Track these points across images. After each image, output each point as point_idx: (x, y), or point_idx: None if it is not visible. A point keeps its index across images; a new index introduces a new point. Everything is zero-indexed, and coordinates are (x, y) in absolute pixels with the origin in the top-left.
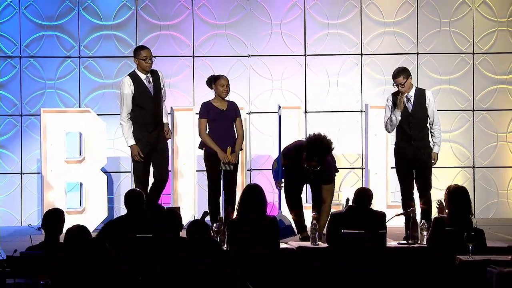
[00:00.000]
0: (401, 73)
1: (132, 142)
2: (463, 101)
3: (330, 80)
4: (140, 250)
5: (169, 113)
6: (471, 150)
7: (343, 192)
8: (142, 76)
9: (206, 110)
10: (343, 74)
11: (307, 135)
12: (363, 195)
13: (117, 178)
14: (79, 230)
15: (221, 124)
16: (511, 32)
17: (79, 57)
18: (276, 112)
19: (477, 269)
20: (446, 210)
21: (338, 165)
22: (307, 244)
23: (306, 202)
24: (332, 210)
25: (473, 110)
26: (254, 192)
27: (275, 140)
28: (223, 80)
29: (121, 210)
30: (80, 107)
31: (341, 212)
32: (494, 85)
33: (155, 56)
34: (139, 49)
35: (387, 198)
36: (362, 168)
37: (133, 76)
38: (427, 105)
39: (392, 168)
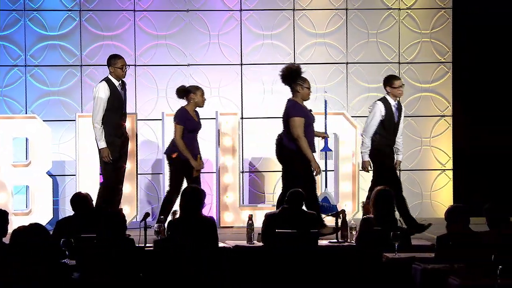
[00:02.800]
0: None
1: (103, 144)
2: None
3: (265, 87)
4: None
5: None
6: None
7: (276, 194)
8: (116, 83)
9: (185, 118)
10: (277, 82)
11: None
12: (296, 197)
13: (62, 181)
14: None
15: (195, 134)
16: (433, 43)
17: (25, 66)
18: (214, 118)
19: (403, 266)
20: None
21: (272, 168)
22: (243, 243)
23: (242, 203)
24: (267, 211)
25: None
26: (193, 194)
27: (213, 145)
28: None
29: (66, 211)
30: (26, 113)
31: (275, 213)
32: (418, 93)
33: (128, 65)
34: (115, 58)
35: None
36: None
37: (108, 81)
38: (403, 116)
39: (326, 171)
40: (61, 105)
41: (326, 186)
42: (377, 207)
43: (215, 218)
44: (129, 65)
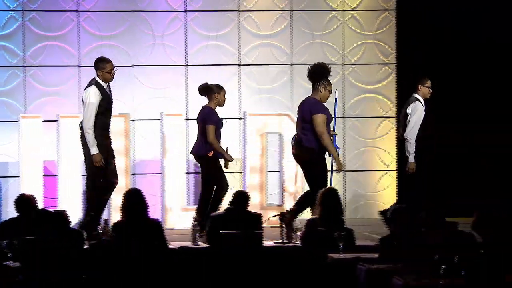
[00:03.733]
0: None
1: (96, 150)
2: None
3: None
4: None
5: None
6: (342, 155)
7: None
8: (104, 85)
9: (216, 118)
10: (222, 83)
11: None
12: (241, 198)
13: (5, 183)
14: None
15: (220, 131)
16: (377, 44)
17: None
18: (159, 119)
19: (347, 267)
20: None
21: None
22: (188, 244)
23: (188, 204)
24: (213, 213)
25: (344, 117)
26: (137, 196)
27: (158, 146)
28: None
29: (9, 213)
30: None
31: (221, 214)
32: (362, 94)
33: (71, 66)
34: (104, 62)
35: (263, 200)
36: (241, 172)
37: (98, 85)
38: None
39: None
40: (4, 106)
41: (330, 185)
42: (324, 208)
43: (160, 220)
44: (72, 66)
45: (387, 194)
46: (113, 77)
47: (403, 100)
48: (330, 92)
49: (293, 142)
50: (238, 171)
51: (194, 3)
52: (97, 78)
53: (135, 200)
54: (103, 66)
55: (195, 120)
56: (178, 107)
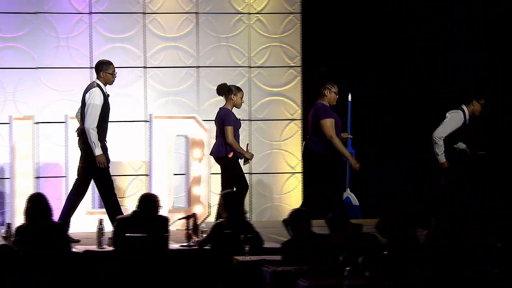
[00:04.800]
0: None
1: (100, 151)
2: (241, 111)
3: (116, 91)
4: None
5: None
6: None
7: (129, 197)
8: (104, 89)
9: (233, 119)
10: (128, 86)
11: None
12: (148, 201)
13: None
14: None
15: (238, 131)
16: (283, 47)
17: None
18: (64, 122)
19: (253, 269)
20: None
21: (123, 171)
22: (93, 247)
23: (93, 207)
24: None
25: (250, 120)
26: (40, 200)
27: (62, 148)
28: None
29: None
30: None
31: (127, 217)
32: (268, 96)
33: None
34: (107, 64)
35: (170, 203)
36: (147, 175)
37: (100, 88)
38: None
39: (175, 174)
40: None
41: (348, 187)
42: (229, 210)
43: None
44: None
45: (293, 196)
46: (114, 80)
47: (308, 103)
48: (335, 93)
49: (303, 146)
50: (144, 174)
51: (99, 5)
52: (98, 81)
53: (38, 204)
54: (107, 68)
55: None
56: None
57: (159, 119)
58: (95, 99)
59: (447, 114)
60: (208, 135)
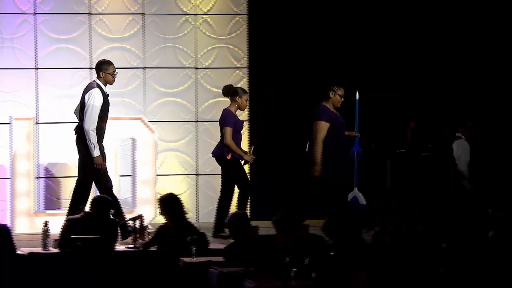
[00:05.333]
0: None
1: (98, 152)
2: (188, 112)
3: (62, 92)
4: None
5: None
6: (195, 158)
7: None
8: (104, 89)
9: (234, 120)
10: (74, 87)
11: None
12: (101, 203)
13: None
14: None
15: (239, 133)
16: (230, 48)
17: None
18: (8, 123)
19: (200, 270)
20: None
21: (69, 173)
22: (39, 249)
23: (38, 209)
24: (62, 217)
25: (196, 121)
26: None
27: (6, 150)
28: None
29: None
30: None
31: (77, 218)
32: (215, 98)
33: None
34: (107, 64)
35: None
36: None
37: (100, 88)
38: None
39: (121, 175)
40: None
41: (356, 186)
42: (169, 213)
43: (9, 225)
44: None
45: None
46: (114, 80)
47: (256, 104)
48: (341, 96)
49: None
50: None
51: (44, 5)
52: (98, 81)
53: None
54: (107, 67)
55: (46, 124)
56: (28, 111)
57: None
58: (95, 100)
59: None
60: (154, 137)
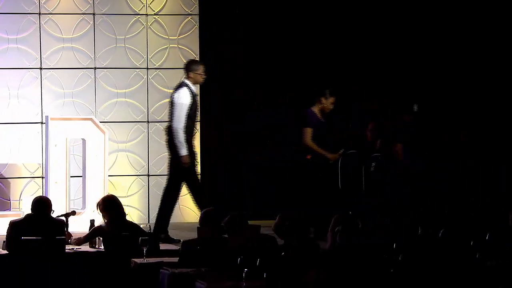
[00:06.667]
0: None
1: (185, 152)
2: (139, 113)
3: (11, 93)
4: None
5: None
6: (146, 159)
7: (23, 200)
8: (192, 89)
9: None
10: (23, 87)
11: None
12: (42, 204)
13: None
14: None
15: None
16: (181, 49)
17: None
18: None
19: (151, 271)
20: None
21: (18, 174)
22: None
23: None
24: (12, 218)
25: (148, 122)
26: None
27: None
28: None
29: None
30: None
31: (21, 219)
32: (166, 98)
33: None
34: (198, 63)
35: (66, 206)
36: (42, 177)
37: (189, 88)
38: None
39: (72, 176)
40: None
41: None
42: (107, 213)
43: None
44: None
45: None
46: (203, 80)
47: (207, 104)
48: (331, 103)
49: None
50: (40, 176)
51: None
52: (187, 81)
53: None
54: (197, 67)
55: None
56: None
57: (56, 120)
58: (183, 99)
59: None
60: (105, 137)
